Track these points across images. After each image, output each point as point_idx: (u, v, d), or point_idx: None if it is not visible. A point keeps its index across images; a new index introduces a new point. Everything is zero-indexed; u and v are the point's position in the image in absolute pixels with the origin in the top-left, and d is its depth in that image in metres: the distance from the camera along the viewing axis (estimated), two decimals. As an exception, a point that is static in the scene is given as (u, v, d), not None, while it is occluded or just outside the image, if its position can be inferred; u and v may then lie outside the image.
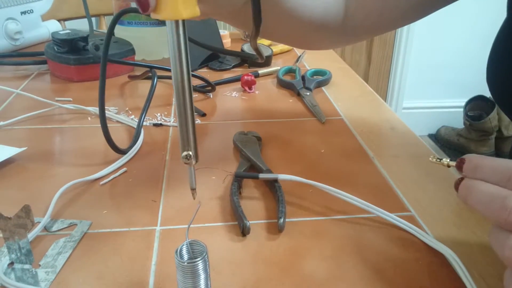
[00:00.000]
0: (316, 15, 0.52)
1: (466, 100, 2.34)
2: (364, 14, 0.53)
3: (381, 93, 2.51)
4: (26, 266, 0.37)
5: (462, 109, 2.37)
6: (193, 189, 0.35)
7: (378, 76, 2.47)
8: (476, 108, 2.30)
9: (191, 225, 0.42)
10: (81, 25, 0.90)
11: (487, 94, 2.12)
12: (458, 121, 2.45)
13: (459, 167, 0.32)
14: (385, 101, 2.53)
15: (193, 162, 0.31)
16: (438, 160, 0.36)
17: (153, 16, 0.29)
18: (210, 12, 0.45)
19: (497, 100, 0.52)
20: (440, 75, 2.48)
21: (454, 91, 2.51)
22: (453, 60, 2.43)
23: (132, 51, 0.79)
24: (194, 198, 0.34)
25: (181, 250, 0.30)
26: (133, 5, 0.72)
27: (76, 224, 0.42)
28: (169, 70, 0.71)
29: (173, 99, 0.30)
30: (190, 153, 0.30)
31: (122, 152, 0.53)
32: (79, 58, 0.75)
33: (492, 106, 2.21)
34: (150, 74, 0.69)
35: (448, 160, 0.35)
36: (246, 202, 0.45)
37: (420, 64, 2.44)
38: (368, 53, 2.42)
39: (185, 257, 0.31)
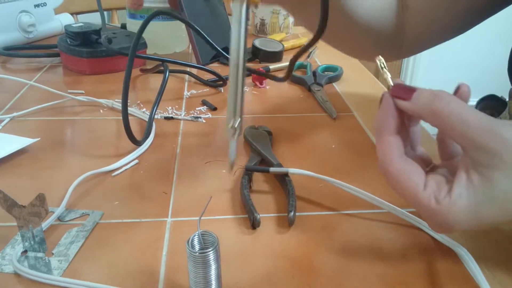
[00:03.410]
0: (372, 17, 0.53)
1: (477, 99, 2.32)
2: (423, 24, 0.55)
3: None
4: (39, 255, 0.37)
5: (473, 108, 2.35)
6: (232, 162, 0.36)
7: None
8: (488, 107, 2.28)
9: (204, 218, 0.42)
10: (94, 19, 0.90)
11: (499, 93, 2.11)
12: (468, 121, 2.43)
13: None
14: (395, 99, 2.52)
15: (237, 134, 0.33)
16: (383, 68, 0.37)
17: None
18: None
19: None
20: (451, 74, 2.46)
21: (466, 90, 2.48)
22: (464, 60, 2.41)
23: (144, 45, 0.80)
24: (231, 172, 0.35)
25: (192, 240, 0.31)
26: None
27: (89, 214, 0.42)
28: (180, 63, 0.71)
29: (228, 72, 0.33)
30: (236, 124, 0.32)
31: (138, 143, 0.53)
32: (92, 51, 0.75)
33: (504, 105, 2.19)
34: (162, 68, 0.69)
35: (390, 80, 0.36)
36: (256, 195, 0.46)
37: (431, 63, 2.42)
38: (379, 50, 2.41)
39: (197, 247, 0.31)
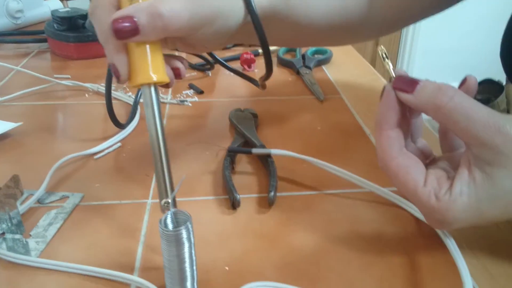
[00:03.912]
0: (334, 16, 0.47)
1: (474, 84, 2.30)
2: (391, 9, 0.50)
3: (389, 77, 2.48)
4: (17, 236, 0.37)
5: (470, 93, 2.34)
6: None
7: (386, 59, 2.44)
8: (484, 91, 2.27)
9: (185, 199, 0.42)
10: (83, 5, 0.89)
11: (496, 77, 2.10)
12: (466, 105, 2.42)
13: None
14: (393, 85, 2.51)
15: (171, 208, 0.32)
16: (385, 58, 0.36)
17: (130, 84, 0.33)
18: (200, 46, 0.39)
19: (509, 75, 0.52)
20: (448, 59, 2.45)
21: (462, 75, 2.44)
22: (460, 44, 2.40)
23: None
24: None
25: (165, 219, 0.30)
26: None
27: (68, 197, 0.42)
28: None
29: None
30: (169, 200, 0.32)
31: (122, 126, 0.52)
32: (79, 36, 0.75)
33: (501, 89, 2.18)
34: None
35: (391, 70, 0.35)
36: (239, 177, 0.45)
37: (427, 48, 2.41)
38: (376, 36, 2.39)
39: (170, 226, 0.31)
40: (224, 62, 0.56)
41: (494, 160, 0.29)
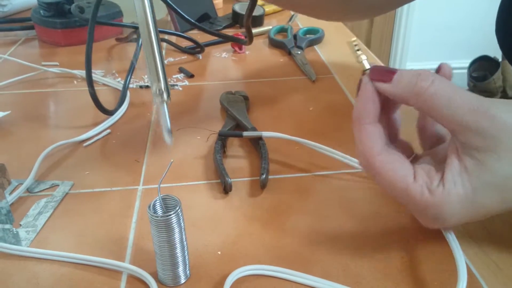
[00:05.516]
0: None
1: (470, 61, 2.29)
2: None
3: (384, 56, 2.47)
4: (7, 226, 0.36)
5: (466, 70, 2.33)
6: (168, 131, 0.31)
7: (381, 38, 2.43)
8: (480, 68, 2.25)
9: (175, 184, 0.41)
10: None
11: (492, 54, 2.08)
12: (462, 83, 2.40)
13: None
14: (388, 63, 2.49)
15: (165, 97, 0.29)
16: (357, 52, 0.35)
17: None
18: None
19: (505, 52, 0.51)
20: (444, 36, 2.42)
21: (458, 52, 2.46)
22: (456, 21, 2.38)
23: (119, 13, 0.78)
24: (169, 142, 0.31)
25: (154, 205, 0.30)
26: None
27: (58, 185, 0.41)
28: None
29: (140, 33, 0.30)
30: (162, 87, 0.29)
31: (109, 113, 0.52)
32: (66, 21, 0.73)
33: (497, 66, 2.16)
34: (136, 36, 0.68)
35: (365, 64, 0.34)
36: (231, 160, 0.45)
37: (423, 25, 2.38)
38: (370, 14, 2.37)
39: (159, 211, 0.30)
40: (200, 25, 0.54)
41: (483, 145, 0.28)
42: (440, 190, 0.29)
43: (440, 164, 0.30)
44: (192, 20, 0.65)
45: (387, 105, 0.33)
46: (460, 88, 0.29)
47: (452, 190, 0.29)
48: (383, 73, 0.31)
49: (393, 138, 0.34)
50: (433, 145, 0.35)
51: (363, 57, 0.34)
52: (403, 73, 0.30)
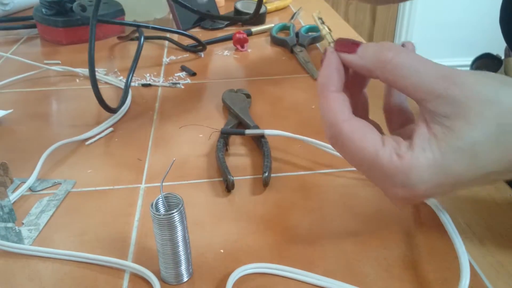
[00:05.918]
0: None
1: (472, 58, 2.29)
2: None
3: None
4: (9, 225, 0.36)
5: (468, 68, 2.32)
6: None
7: (383, 35, 2.42)
8: (483, 66, 2.24)
9: (178, 182, 0.41)
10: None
11: (494, 52, 2.08)
12: (464, 80, 2.40)
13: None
14: (390, 61, 2.48)
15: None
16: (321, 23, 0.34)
17: None
18: None
19: (508, 41, 0.51)
20: (446, 33, 2.42)
21: (460, 49, 2.45)
22: (459, 18, 2.37)
23: (121, 12, 0.77)
24: None
25: (156, 203, 0.30)
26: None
27: (61, 183, 0.41)
28: (158, 29, 0.69)
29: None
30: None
31: (113, 111, 0.52)
32: (67, 20, 0.73)
33: (499, 64, 2.16)
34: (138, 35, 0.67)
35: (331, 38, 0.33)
36: (233, 158, 0.45)
37: (425, 23, 2.38)
38: (373, 12, 2.36)
39: (161, 210, 0.30)
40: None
41: (452, 113, 0.28)
42: (409, 155, 0.28)
43: (408, 139, 0.30)
44: (194, 9, 0.65)
45: (352, 84, 0.33)
46: (425, 58, 0.28)
47: (421, 154, 0.28)
48: (348, 45, 0.31)
49: (361, 117, 0.33)
50: (401, 126, 0.34)
51: (328, 30, 0.33)
52: (369, 45, 0.30)
